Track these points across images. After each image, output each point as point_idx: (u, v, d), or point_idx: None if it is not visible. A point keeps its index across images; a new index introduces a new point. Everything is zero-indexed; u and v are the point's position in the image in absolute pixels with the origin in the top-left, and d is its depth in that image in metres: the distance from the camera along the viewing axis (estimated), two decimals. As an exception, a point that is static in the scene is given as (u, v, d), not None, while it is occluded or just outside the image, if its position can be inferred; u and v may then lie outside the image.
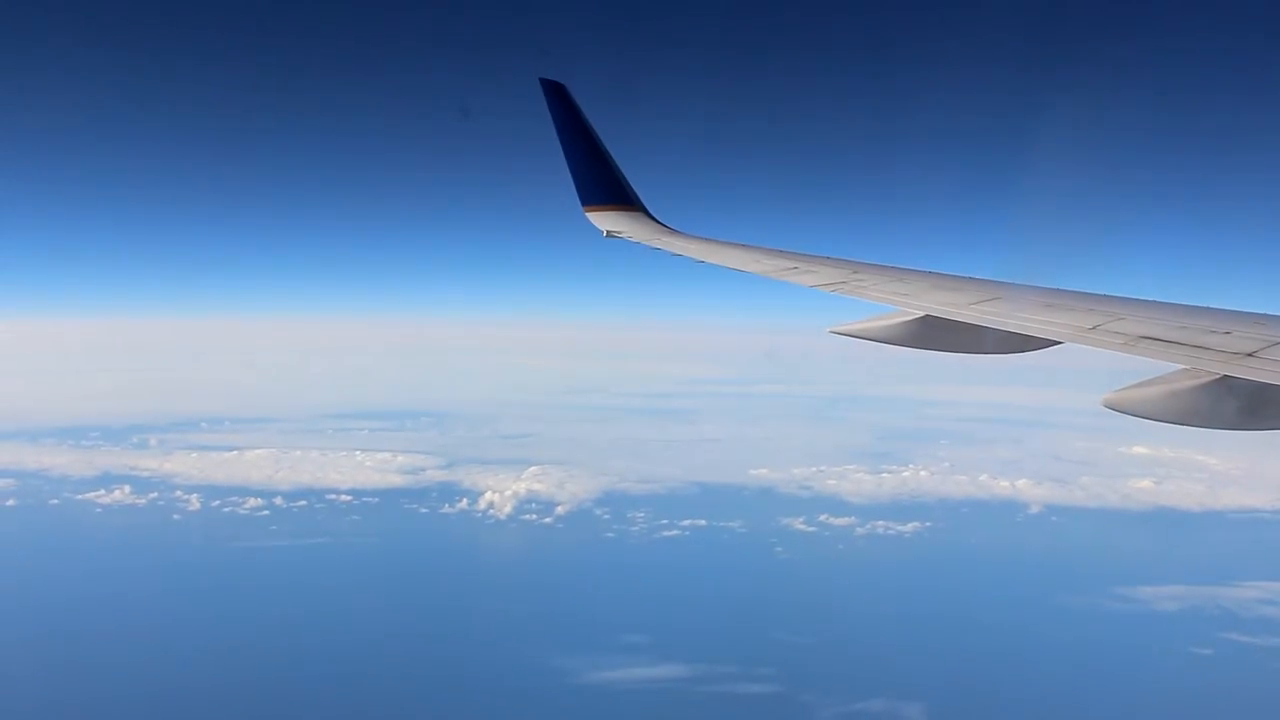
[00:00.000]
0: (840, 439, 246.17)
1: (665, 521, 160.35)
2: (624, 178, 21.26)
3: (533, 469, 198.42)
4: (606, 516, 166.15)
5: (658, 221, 20.98)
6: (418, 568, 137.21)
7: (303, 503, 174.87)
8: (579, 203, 21.42)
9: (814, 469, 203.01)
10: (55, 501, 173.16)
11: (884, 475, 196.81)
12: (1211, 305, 11.71)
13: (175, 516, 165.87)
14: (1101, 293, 13.00)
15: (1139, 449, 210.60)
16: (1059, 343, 11.79)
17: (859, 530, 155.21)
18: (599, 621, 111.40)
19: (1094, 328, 11.47)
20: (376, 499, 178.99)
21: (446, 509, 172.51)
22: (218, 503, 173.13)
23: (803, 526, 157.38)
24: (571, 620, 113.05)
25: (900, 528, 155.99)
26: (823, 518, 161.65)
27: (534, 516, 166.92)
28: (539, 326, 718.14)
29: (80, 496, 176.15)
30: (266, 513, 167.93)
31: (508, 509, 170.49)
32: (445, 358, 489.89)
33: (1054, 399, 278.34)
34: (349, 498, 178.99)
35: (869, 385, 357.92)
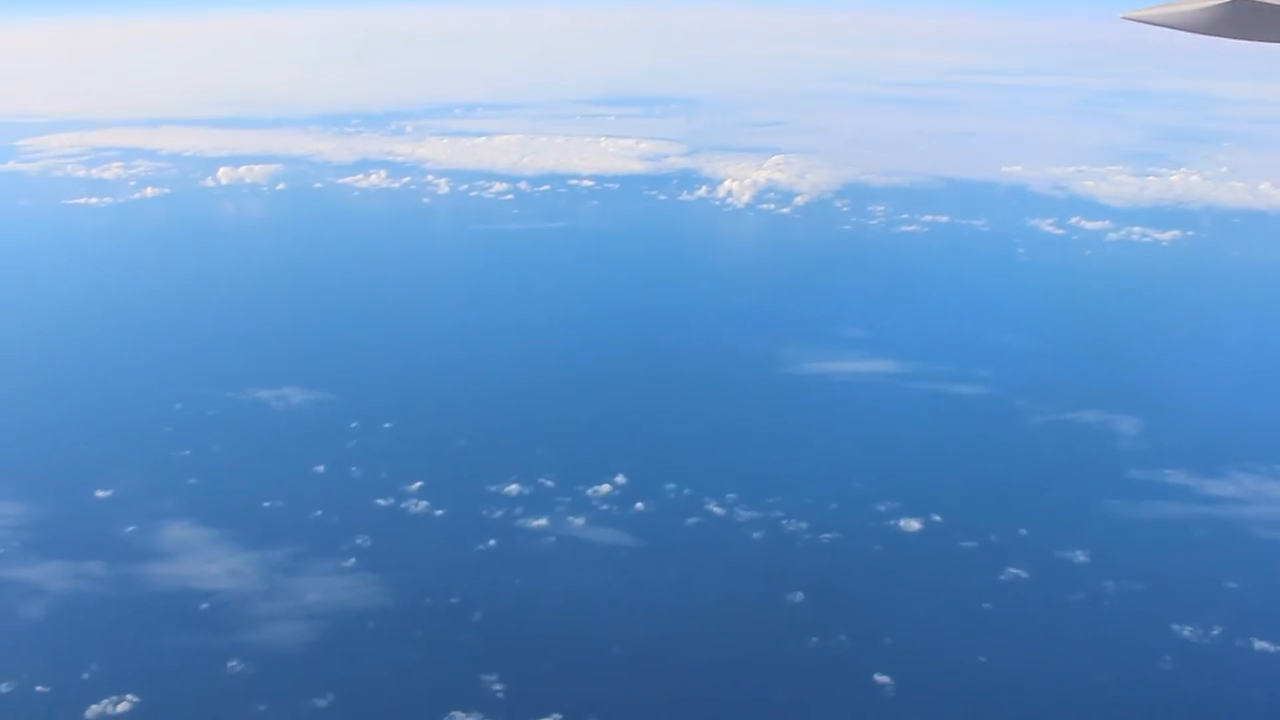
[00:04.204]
0: (1109, 137, 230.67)
1: (905, 216, 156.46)
2: None
3: (776, 158, 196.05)
4: (845, 209, 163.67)
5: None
6: (650, 252, 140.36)
7: (545, 187, 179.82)
8: None
9: (1073, 168, 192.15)
10: (319, 185, 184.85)
11: (1150, 178, 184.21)
12: None
13: (425, 200, 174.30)
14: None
15: None
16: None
17: (1111, 235, 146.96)
18: (821, 313, 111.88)
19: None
20: (617, 185, 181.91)
21: (685, 196, 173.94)
22: (465, 186, 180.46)
23: (1051, 228, 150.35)
24: (794, 310, 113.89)
25: (1158, 235, 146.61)
26: (1074, 220, 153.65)
27: (772, 206, 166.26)
28: (802, 10, 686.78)
29: (341, 180, 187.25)
30: (510, 197, 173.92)
31: (746, 197, 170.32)
32: (702, 43, 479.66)
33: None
34: (590, 183, 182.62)
35: (1154, 79, 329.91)
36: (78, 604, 58.25)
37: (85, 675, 51.63)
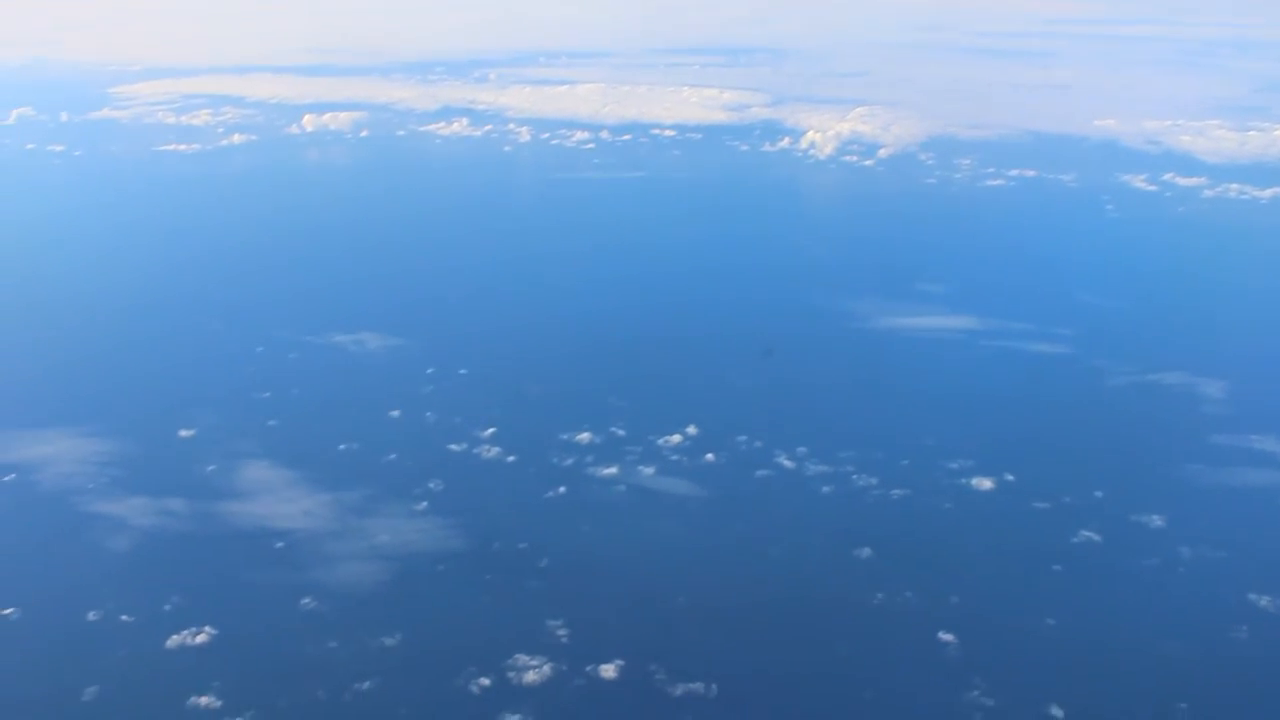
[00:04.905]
0: (1209, 90, 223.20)
1: (991, 170, 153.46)
2: None
3: (860, 109, 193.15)
4: (930, 162, 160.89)
5: None
6: (731, 203, 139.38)
7: (627, 137, 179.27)
8: None
9: (1169, 122, 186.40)
10: (401, 132, 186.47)
11: (1251, 133, 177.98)
12: None
13: (506, 148, 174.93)
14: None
15: None
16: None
17: (1207, 192, 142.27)
18: (901, 267, 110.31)
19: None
20: (699, 135, 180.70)
21: (768, 147, 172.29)
22: (547, 135, 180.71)
23: (1143, 184, 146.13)
24: (873, 264, 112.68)
25: (1257, 193, 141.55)
26: (1168, 176, 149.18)
27: (855, 158, 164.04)
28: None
29: (423, 128, 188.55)
30: (592, 145, 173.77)
31: (829, 149, 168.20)
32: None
33: None
34: (672, 133, 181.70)
35: (1261, 28, 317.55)
36: (160, 539, 60.14)
37: (167, 607, 53.34)
